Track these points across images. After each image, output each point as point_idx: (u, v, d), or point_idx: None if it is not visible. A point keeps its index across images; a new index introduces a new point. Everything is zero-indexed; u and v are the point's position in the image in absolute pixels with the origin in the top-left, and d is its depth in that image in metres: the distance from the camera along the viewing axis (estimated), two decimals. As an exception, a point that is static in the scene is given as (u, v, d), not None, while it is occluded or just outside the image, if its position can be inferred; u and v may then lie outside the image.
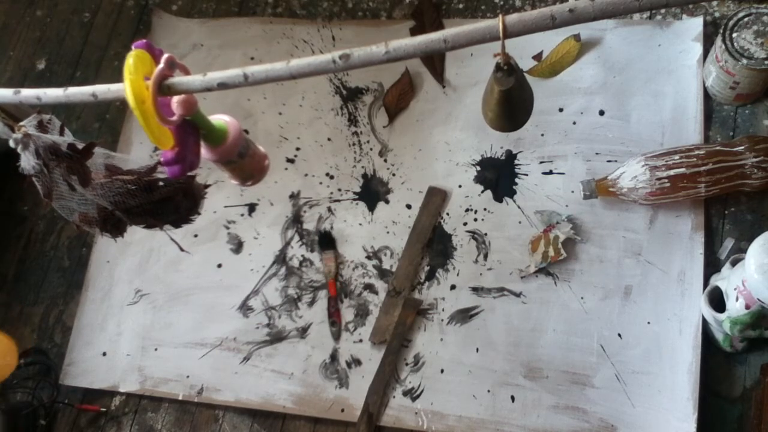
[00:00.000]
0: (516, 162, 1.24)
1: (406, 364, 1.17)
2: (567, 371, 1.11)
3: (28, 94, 0.68)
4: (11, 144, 0.71)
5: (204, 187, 0.85)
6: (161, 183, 0.79)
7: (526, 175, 1.22)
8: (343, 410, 1.17)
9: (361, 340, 1.20)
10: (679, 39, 1.22)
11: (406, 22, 1.37)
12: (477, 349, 1.15)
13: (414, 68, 1.33)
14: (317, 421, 1.18)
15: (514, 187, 1.22)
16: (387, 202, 1.28)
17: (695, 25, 1.22)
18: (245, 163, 0.76)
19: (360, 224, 1.27)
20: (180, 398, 1.23)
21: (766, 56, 1.06)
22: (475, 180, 1.25)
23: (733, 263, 1.05)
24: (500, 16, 0.54)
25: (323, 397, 1.18)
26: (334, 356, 1.20)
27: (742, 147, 1.08)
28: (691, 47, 1.21)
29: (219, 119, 0.72)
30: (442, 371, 1.16)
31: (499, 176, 1.24)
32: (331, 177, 1.31)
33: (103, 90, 0.65)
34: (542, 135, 1.23)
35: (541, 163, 1.22)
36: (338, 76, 1.36)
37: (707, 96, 1.19)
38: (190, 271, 1.31)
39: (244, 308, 1.26)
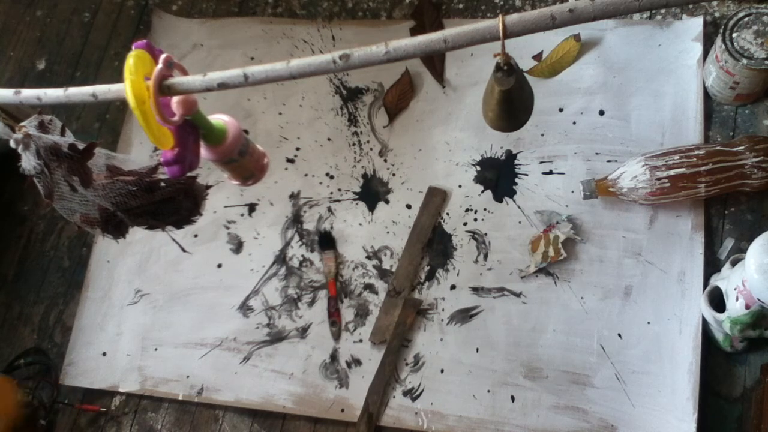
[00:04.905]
0: (516, 162, 1.24)
1: (406, 364, 1.17)
2: (567, 371, 1.11)
3: (29, 94, 0.68)
4: (12, 144, 0.71)
5: (205, 188, 0.85)
6: (162, 183, 0.79)
7: (526, 175, 1.23)
8: (343, 410, 1.17)
9: (361, 340, 1.20)
10: (679, 39, 1.22)
11: (406, 22, 1.37)
12: (477, 349, 1.15)
13: (414, 68, 1.33)
14: (317, 421, 1.18)
15: (514, 187, 1.22)
16: (387, 202, 1.28)
17: (695, 25, 1.22)
18: (245, 162, 0.76)
19: (360, 224, 1.27)
20: (180, 398, 1.23)
21: (766, 56, 1.06)
22: (475, 180, 1.25)
23: (733, 263, 1.05)
24: (500, 16, 0.54)
25: (323, 397, 1.18)
26: (334, 356, 1.20)
27: (742, 147, 1.08)
28: (691, 47, 1.21)
29: (218, 119, 0.72)
30: (442, 371, 1.16)
31: (499, 176, 1.24)
32: (331, 177, 1.31)
33: (103, 90, 0.65)
34: (542, 135, 1.23)
35: (541, 163, 1.22)
36: (338, 76, 1.36)
37: (707, 96, 1.19)
38: (190, 271, 1.31)
39: (244, 308, 1.26)
